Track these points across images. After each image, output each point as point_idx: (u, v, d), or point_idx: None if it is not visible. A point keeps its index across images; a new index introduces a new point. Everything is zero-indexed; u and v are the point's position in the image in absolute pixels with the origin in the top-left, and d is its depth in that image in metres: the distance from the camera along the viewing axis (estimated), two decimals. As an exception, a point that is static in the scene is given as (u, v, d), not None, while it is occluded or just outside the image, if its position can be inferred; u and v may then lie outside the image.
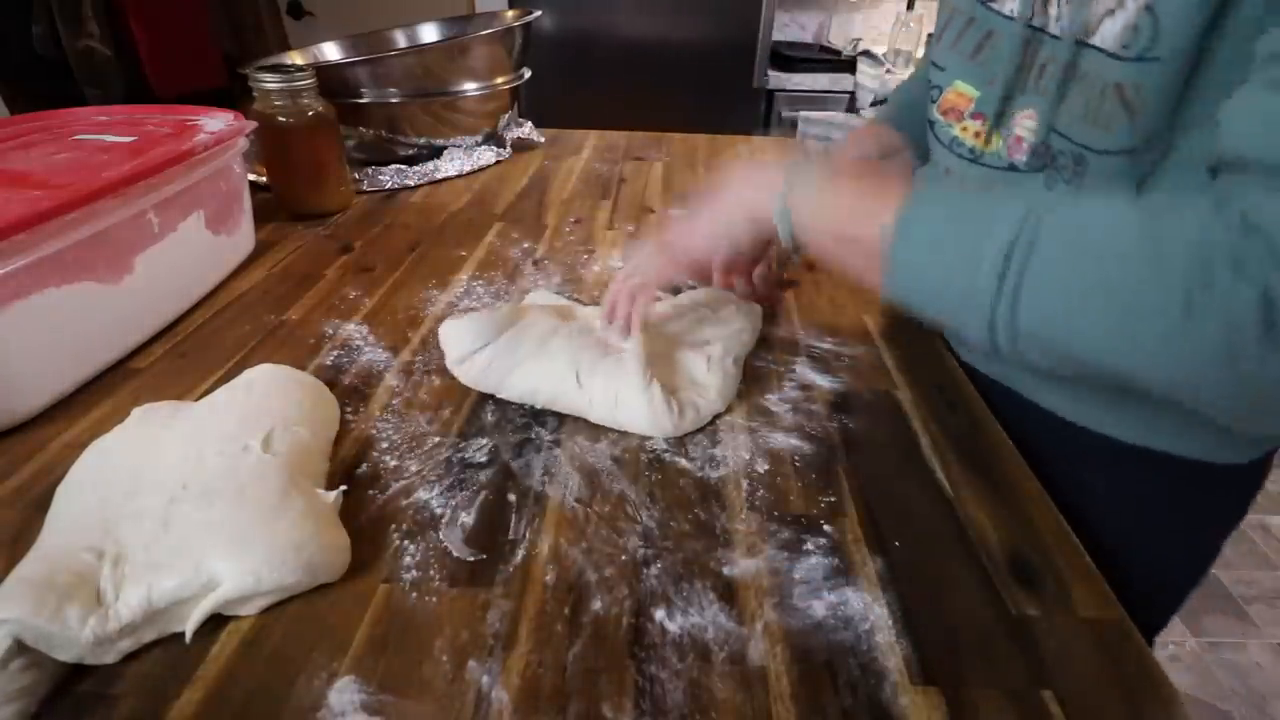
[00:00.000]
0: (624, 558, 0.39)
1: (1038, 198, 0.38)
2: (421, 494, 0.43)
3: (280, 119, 0.79)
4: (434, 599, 0.36)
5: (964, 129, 0.52)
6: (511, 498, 0.43)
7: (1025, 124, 0.47)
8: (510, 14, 1.15)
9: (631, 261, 0.55)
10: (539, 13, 1.14)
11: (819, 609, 0.36)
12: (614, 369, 0.48)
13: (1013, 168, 0.49)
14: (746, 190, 0.48)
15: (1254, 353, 0.29)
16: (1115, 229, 0.33)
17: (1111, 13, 0.40)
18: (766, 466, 0.46)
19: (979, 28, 0.50)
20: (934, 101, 0.55)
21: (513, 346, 0.50)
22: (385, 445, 0.47)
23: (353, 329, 0.61)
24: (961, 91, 0.52)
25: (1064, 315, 0.33)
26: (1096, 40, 0.41)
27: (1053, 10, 0.44)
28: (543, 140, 1.17)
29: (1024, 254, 0.34)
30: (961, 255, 0.36)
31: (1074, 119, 0.44)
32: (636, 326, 0.51)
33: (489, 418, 0.50)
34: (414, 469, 0.45)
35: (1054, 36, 0.44)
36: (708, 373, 0.51)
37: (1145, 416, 0.50)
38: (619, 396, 0.47)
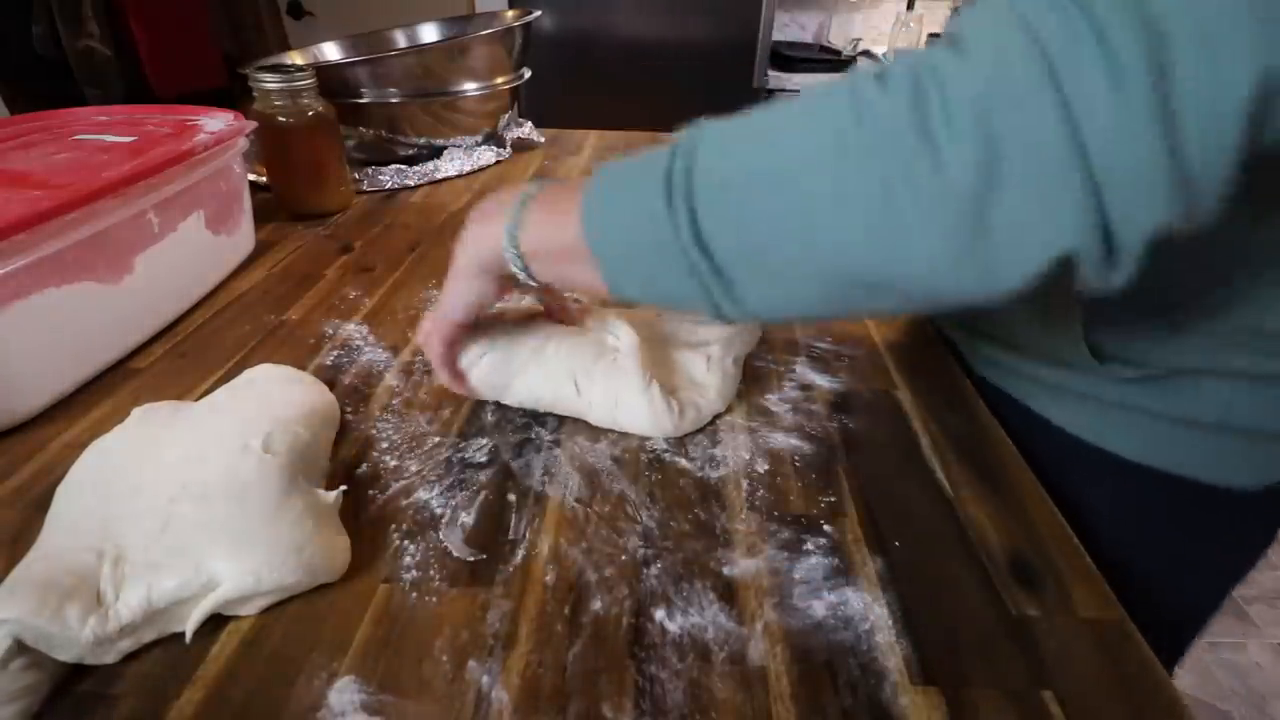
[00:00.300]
0: (624, 558, 0.39)
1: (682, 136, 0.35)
2: (421, 494, 0.43)
3: (280, 119, 0.79)
4: (434, 599, 0.36)
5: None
6: (511, 498, 0.43)
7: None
8: (510, 14, 1.15)
9: (420, 329, 0.49)
10: (539, 13, 1.14)
11: (819, 609, 0.36)
12: (611, 371, 0.48)
13: None
14: (474, 233, 0.42)
15: (923, 161, 0.26)
16: (761, 114, 0.31)
17: None
18: (766, 466, 0.46)
19: None
20: None
21: (509, 355, 0.49)
22: (385, 445, 0.47)
23: (353, 329, 0.61)
24: None
25: (750, 228, 0.30)
26: None
27: None
28: (543, 140, 1.17)
29: (684, 175, 0.31)
30: (638, 212, 0.33)
31: None
32: (457, 383, 0.49)
33: (489, 418, 0.50)
34: (414, 469, 0.45)
35: None
36: (707, 372, 0.51)
37: (1157, 433, 0.47)
38: (619, 398, 0.47)
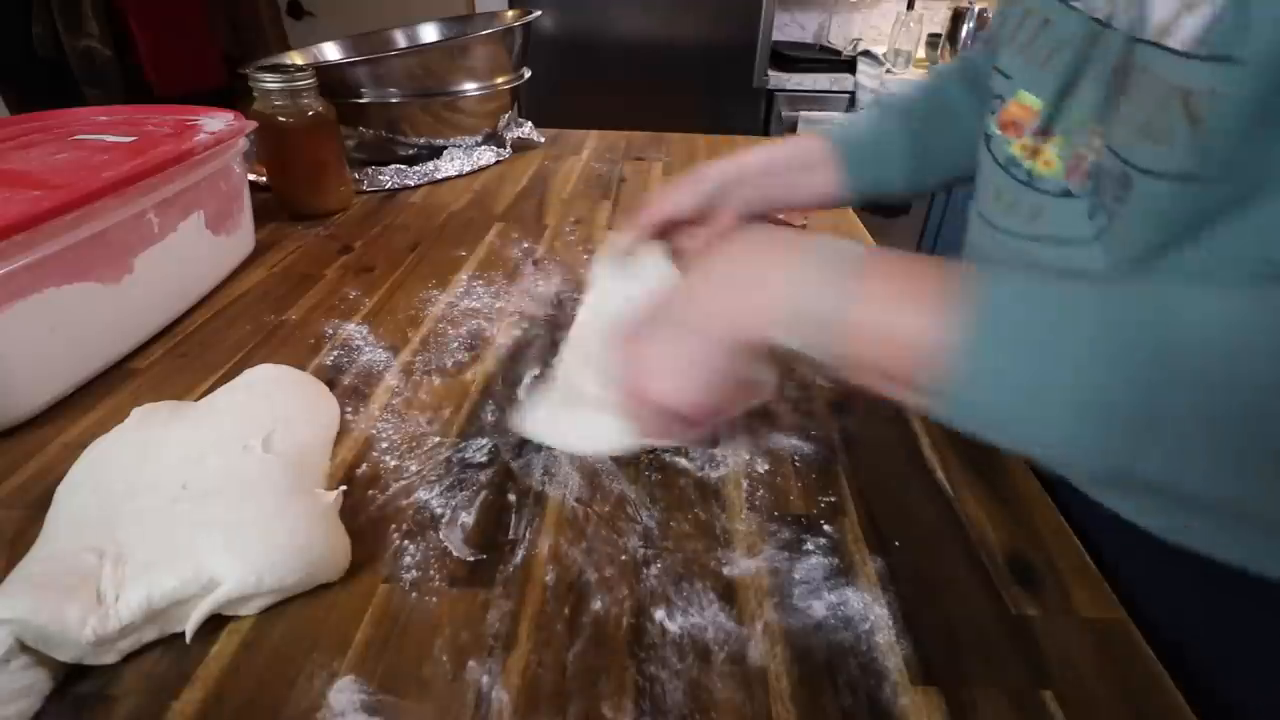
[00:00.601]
0: (624, 558, 0.39)
1: (1119, 303, 0.27)
2: (421, 494, 0.43)
3: (280, 119, 0.79)
4: (434, 599, 0.36)
5: (1023, 147, 0.45)
6: (511, 498, 0.43)
7: (1093, 142, 0.39)
8: (510, 14, 1.15)
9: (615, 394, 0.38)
10: (539, 13, 1.14)
11: (819, 609, 0.36)
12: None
13: (1067, 193, 0.42)
14: (745, 292, 0.32)
15: None
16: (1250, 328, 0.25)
17: (1191, 5, 0.31)
18: (766, 466, 0.46)
19: (1056, 31, 0.42)
20: (993, 113, 0.48)
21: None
22: (385, 445, 0.47)
23: (353, 329, 0.61)
24: (1026, 104, 0.44)
25: (1203, 455, 0.25)
26: (1164, 36, 0.33)
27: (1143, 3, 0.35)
28: (543, 140, 1.17)
29: (1143, 384, 0.25)
30: (1050, 387, 0.26)
31: (1127, 131, 0.36)
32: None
33: (489, 418, 0.50)
34: (414, 469, 0.45)
35: (1143, 41, 0.36)
36: None
37: (1246, 535, 0.39)
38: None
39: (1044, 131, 0.43)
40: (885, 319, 0.29)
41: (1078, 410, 0.26)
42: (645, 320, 0.36)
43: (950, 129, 0.59)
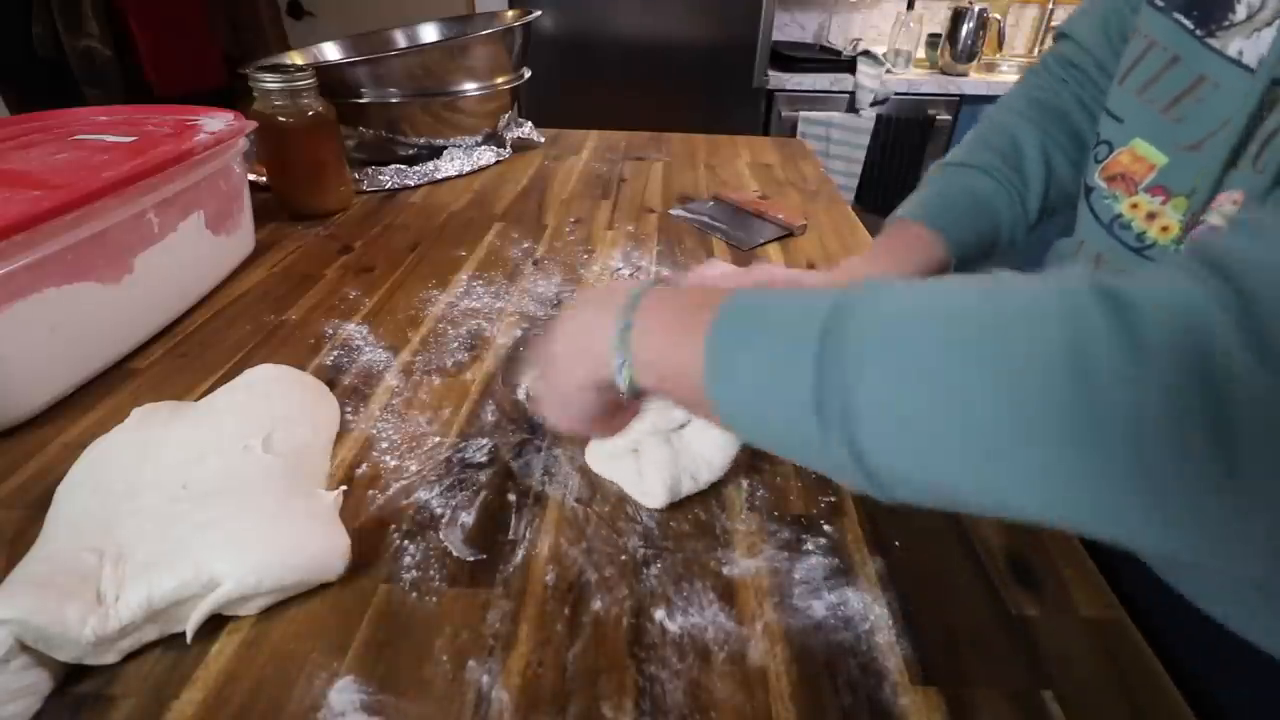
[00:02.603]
0: (624, 558, 0.39)
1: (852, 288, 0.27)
2: (421, 494, 0.43)
3: (280, 119, 0.79)
4: (434, 599, 0.36)
5: (1134, 206, 0.39)
6: (511, 498, 0.43)
7: (1225, 208, 0.34)
8: (510, 14, 1.15)
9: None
10: (539, 13, 1.14)
11: (819, 609, 0.36)
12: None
13: None
14: (579, 341, 0.35)
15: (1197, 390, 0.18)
16: (946, 297, 0.24)
17: None
18: (766, 466, 0.46)
19: (1185, 70, 0.37)
20: (1099, 161, 0.42)
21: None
22: (385, 445, 0.47)
23: (353, 329, 0.61)
24: (1141, 155, 0.39)
25: (914, 435, 0.24)
26: None
27: None
28: (543, 140, 1.17)
29: (837, 359, 0.24)
30: (776, 378, 0.27)
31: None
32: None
33: (489, 418, 0.50)
34: (414, 469, 0.45)
35: None
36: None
37: None
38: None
39: (1160, 189, 0.38)
40: (660, 352, 0.31)
41: (802, 409, 0.25)
42: (540, 359, 0.38)
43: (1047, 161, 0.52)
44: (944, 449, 0.23)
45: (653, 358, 0.31)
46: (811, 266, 0.75)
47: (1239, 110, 0.33)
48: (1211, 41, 0.35)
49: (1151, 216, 0.38)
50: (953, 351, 0.23)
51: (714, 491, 0.44)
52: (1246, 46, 0.33)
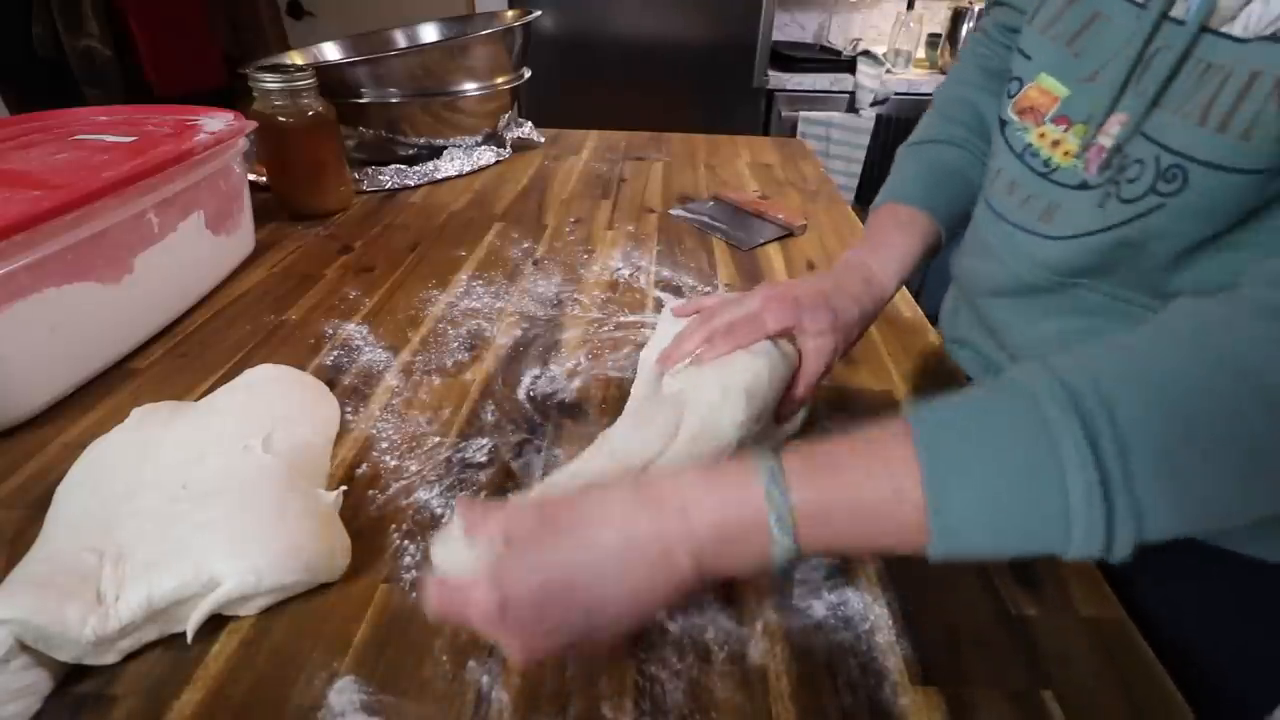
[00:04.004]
0: (624, 558, 0.39)
1: (1043, 378, 0.28)
2: (421, 494, 0.43)
3: (280, 119, 0.79)
4: (434, 599, 0.36)
5: (1041, 135, 0.42)
6: (511, 498, 0.43)
7: (1112, 130, 0.38)
8: (510, 14, 1.15)
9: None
10: (539, 13, 1.14)
11: (819, 609, 0.36)
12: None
13: (1084, 185, 0.40)
14: (646, 547, 0.29)
15: None
16: (1192, 375, 0.27)
17: None
18: (766, 466, 0.46)
19: (1083, 7, 0.41)
20: (1011, 96, 0.45)
21: None
22: (385, 445, 0.47)
23: (353, 329, 0.61)
24: (1046, 89, 0.42)
25: (1194, 498, 0.26)
26: (1227, 24, 0.33)
27: None
28: (543, 140, 1.17)
29: (1117, 457, 0.26)
30: (1031, 501, 0.27)
31: (1182, 121, 0.34)
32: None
33: (489, 418, 0.50)
34: (414, 469, 0.45)
35: (1178, 22, 0.35)
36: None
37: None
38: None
39: (1063, 119, 0.41)
40: (833, 511, 0.29)
41: (1060, 533, 0.26)
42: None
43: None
44: (1223, 516, 0.27)
45: (828, 503, 0.29)
46: (811, 267, 0.75)
47: (1130, 41, 0.37)
48: None
49: (1056, 144, 0.42)
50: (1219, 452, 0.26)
51: (714, 491, 0.44)
52: None
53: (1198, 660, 0.39)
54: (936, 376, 0.56)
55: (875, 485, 0.28)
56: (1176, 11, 0.35)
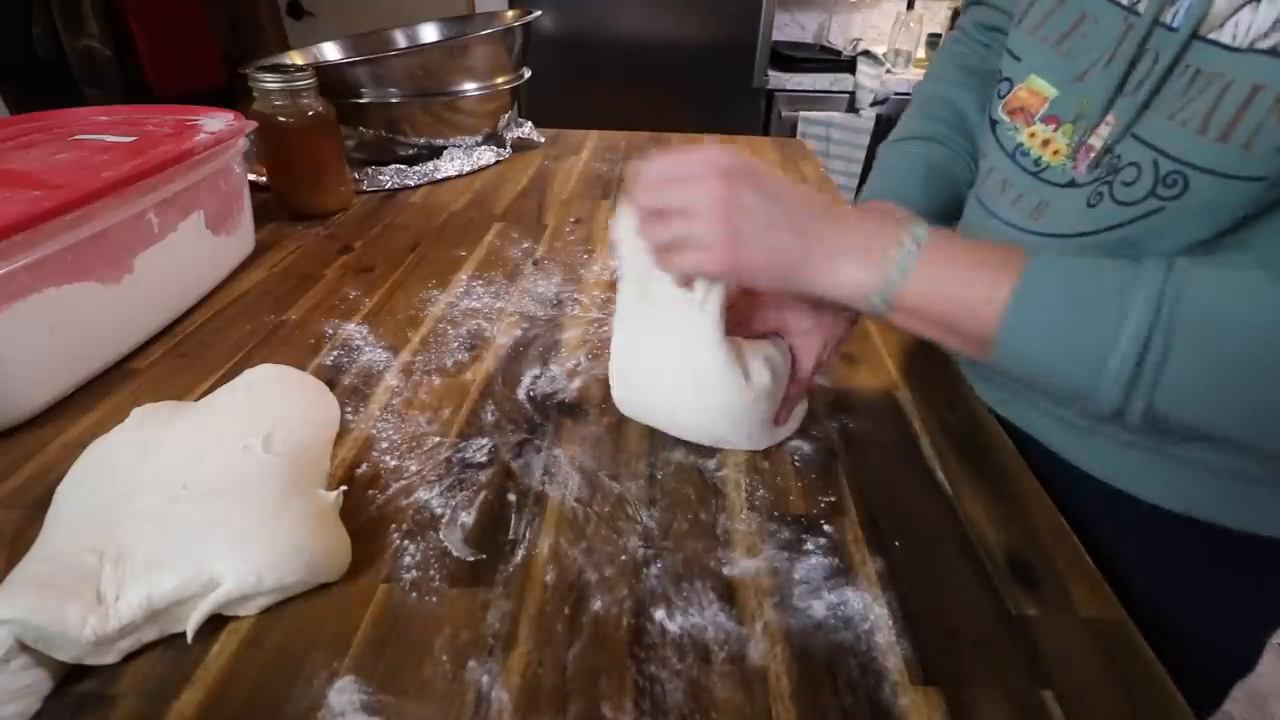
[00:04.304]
0: (624, 558, 0.39)
1: (1159, 273, 0.33)
2: (421, 494, 0.43)
3: (280, 119, 0.79)
4: (434, 599, 0.36)
5: (1031, 135, 0.44)
6: (511, 498, 0.43)
7: (1102, 130, 0.40)
8: (510, 14, 1.15)
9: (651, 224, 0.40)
10: (539, 13, 1.14)
11: (819, 609, 0.36)
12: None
13: (1072, 183, 0.42)
14: (847, 232, 0.38)
15: None
16: (1259, 307, 0.31)
17: (1254, 1, 0.33)
18: (766, 466, 0.46)
19: (1070, 10, 0.42)
20: (1001, 97, 0.47)
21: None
22: (385, 445, 0.47)
23: (353, 329, 0.61)
24: (1036, 90, 0.44)
25: (1208, 402, 0.32)
26: (1226, 35, 0.34)
27: None
28: (543, 140, 1.17)
29: (1162, 343, 0.31)
30: (1088, 337, 0.33)
31: (1181, 129, 0.36)
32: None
33: (489, 418, 0.50)
34: (414, 469, 0.45)
35: (1167, 27, 0.37)
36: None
37: (1186, 479, 0.44)
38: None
39: (1053, 119, 0.43)
40: (941, 283, 0.36)
41: (1097, 363, 0.33)
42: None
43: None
44: (1234, 420, 0.32)
45: (926, 286, 0.36)
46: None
47: (1121, 44, 0.39)
48: None
49: (1045, 143, 0.43)
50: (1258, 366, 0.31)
51: (714, 491, 0.44)
52: None
53: (1169, 624, 0.42)
54: (936, 375, 0.56)
55: (973, 292, 0.36)
56: (1165, 16, 0.37)
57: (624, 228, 0.44)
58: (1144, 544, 0.46)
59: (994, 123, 0.48)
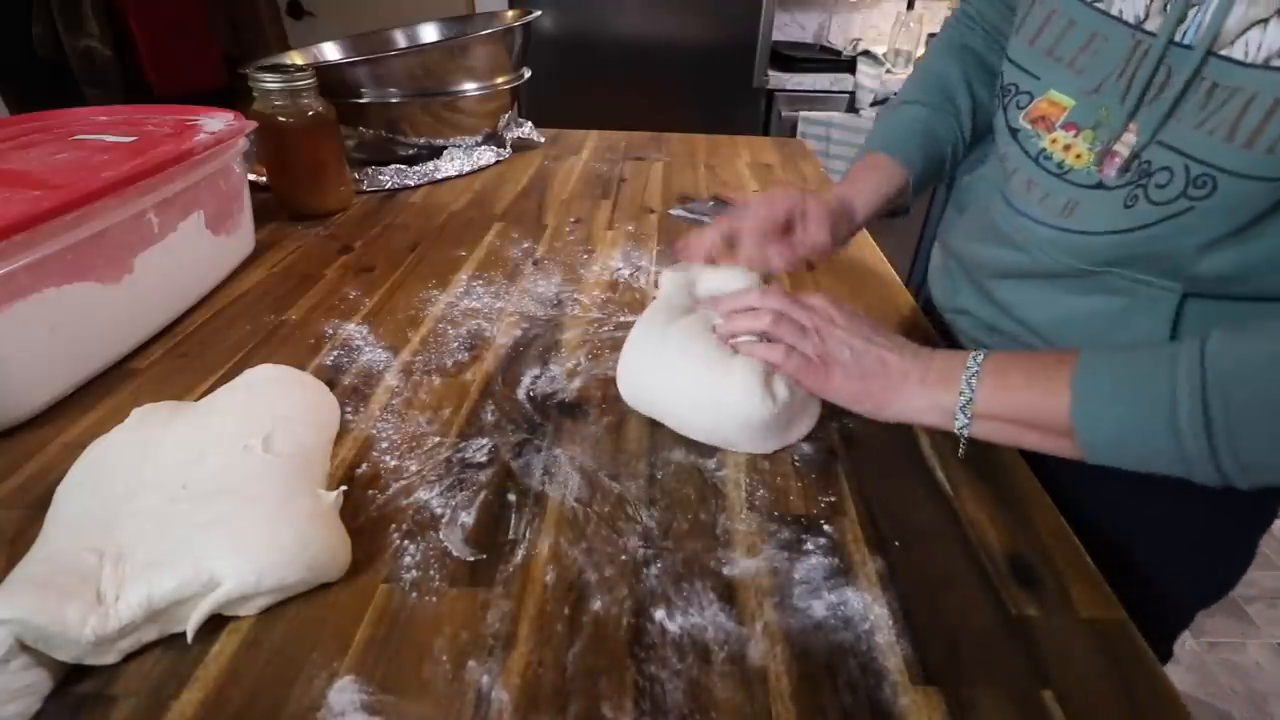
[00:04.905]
0: (624, 558, 0.39)
1: (1194, 343, 0.36)
2: (421, 494, 0.43)
3: (280, 119, 0.79)
4: (434, 599, 0.36)
5: (1053, 140, 0.48)
6: (511, 498, 0.43)
7: (1126, 138, 0.44)
8: (510, 14, 1.15)
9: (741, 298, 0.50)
10: (539, 13, 1.14)
11: (819, 609, 0.36)
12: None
13: (1100, 185, 0.46)
14: (906, 402, 0.44)
15: None
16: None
17: (1263, 22, 0.36)
18: (766, 466, 0.46)
19: (1081, 31, 0.46)
20: (1021, 108, 0.51)
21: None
22: (385, 445, 0.47)
23: (353, 329, 0.61)
24: (1055, 100, 0.48)
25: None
26: (1238, 52, 0.38)
27: (1190, 15, 0.40)
28: (543, 140, 1.17)
29: (1220, 398, 0.34)
30: (1152, 417, 0.36)
31: (1208, 137, 0.40)
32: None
33: (489, 418, 0.50)
34: (414, 469, 0.45)
35: (1179, 44, 0.41)
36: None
37: None
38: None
39: (1072, 125, 0.47)
40: (1011, 396, 0.41)
41: (1172, 433, 0.35)
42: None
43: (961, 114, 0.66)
44: None
45: (998, 411, 0.41)
46: (810, 267, 0.74)
47: (1132, 58, 0.43)
48: (1099, 5, 0.45)
49: (1067, 148, 0.48)
50: None
51: (714, 491, 0.44)
52: (1125, 6, 0.44)
53: (1131, 560, 0.48)
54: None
55: (1041, 397, 0.40)
56: (1178, 35, 0.41)
57: (674, 281, 0.54)
58: (1105, 486, 0.50)
59: (1014, 130, 0.52)
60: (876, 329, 0.47)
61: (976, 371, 0.42)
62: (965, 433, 0.43)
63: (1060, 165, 0.48)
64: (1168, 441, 0.36)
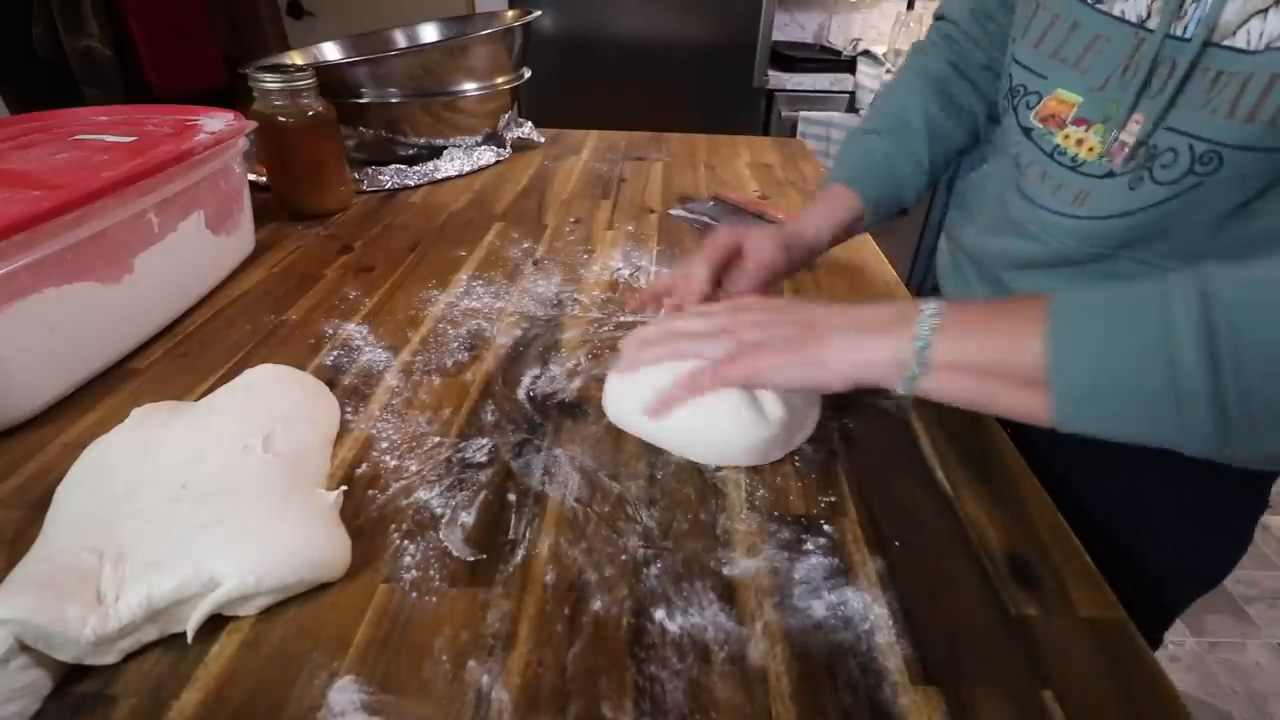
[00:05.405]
0: (624, 558, 0.39)
1: (1184, 276, 0.32)
2: (421, 494, 0.43)
3: (280, 119, 0.79)
4: (434, 599, 0.36)
5: (1066, 136, 0.50)
6: (511, 498, 0.43)
7: (1131, 128, 0.45)
8: (510, 14, 1.15)
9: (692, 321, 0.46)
10: (539, 13, 1.14)
11: (819, 609, 0.36)
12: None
13: (1110, 174, 0.47)
14: (856, 344, 0.40)
15: None
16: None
17: (1263, 12, 0.37)
18: (766, 466, 0.46)
19: (1084, 32, 0.48)
20: (1031, 108, 0.52)
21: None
22: (385, 445, 0.47)
23: (353, 329, 0.61)
24: (1063, 98, 0.50)
25: None
26: (1240, 41, 0.39)
27: (1190, 10, 0.41)
28: (543, 140, 1.17)
29: (1228, 329, 0.29)
30: (1144, 355, 0.31)
31: (1210, 116, 0.40)
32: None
33: (489, 418, 0.50)
34: (414, 469, 0.45)
35: (1178, 38, 0.42)
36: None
37: None
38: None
39: (1082, 120, 0.49)
40: (971, 353, 0.36)
41: (1168, 360, 0.30)
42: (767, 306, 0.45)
43: (948, 132, 0.65)
44: None
45: (957, 336, 0.36)
46: (810, 268, 0.74)
47: (1135, 55, 0.44)
48: (1100, 7, 0.46)
49: (1080, 142, 0.49)
50: None
51: (714, 491, 0.44)
52: (1127, 7, 0.45)
53: (1123, 548, 0.47)
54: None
55: (1007, 350, 0.35)
56: (1175, 29, 0.42)
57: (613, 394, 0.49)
58: (1098, 468, 0.51)
59: (1027, 130, 0.53)
60: (810, 304, 0.44)
61: (936, 313, 0.37)
62: (914, 385, 0.38)
63: (1074, 159, 0.49)
64: (1161, 379, 0.30)
